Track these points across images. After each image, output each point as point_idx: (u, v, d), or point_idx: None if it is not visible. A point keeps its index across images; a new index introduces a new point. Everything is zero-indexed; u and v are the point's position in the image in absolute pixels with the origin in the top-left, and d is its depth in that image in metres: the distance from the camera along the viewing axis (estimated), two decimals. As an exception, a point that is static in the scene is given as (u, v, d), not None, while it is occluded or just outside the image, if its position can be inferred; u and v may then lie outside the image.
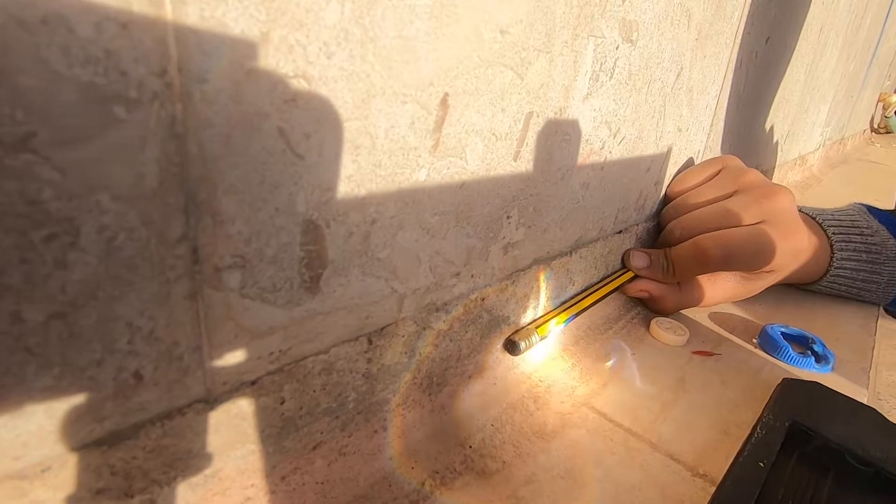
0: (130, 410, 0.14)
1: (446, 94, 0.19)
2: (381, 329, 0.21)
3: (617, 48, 0.28)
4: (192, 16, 0.12)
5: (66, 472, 0.13)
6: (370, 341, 0.21)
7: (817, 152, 1.04)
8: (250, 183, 0.15)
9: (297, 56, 0.14)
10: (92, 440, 0.14)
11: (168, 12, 0.12)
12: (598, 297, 0.34)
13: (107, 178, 0.12)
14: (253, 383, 0.17)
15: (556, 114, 0.25)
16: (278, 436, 0.19)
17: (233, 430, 0.17)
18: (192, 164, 0.13)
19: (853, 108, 1.32)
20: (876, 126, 1.90)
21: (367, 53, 0.16)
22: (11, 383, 0.12)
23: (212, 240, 0.14)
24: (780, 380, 0.31)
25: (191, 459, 0.16)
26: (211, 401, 0.16)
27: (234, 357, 0.16)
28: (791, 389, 0.30)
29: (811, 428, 0.27)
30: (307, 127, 0.15)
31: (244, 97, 0.14)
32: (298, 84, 0.15)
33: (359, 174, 0.17)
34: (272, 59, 0.14)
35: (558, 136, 0.26)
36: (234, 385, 0.17)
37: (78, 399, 0.13)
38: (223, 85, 0.13)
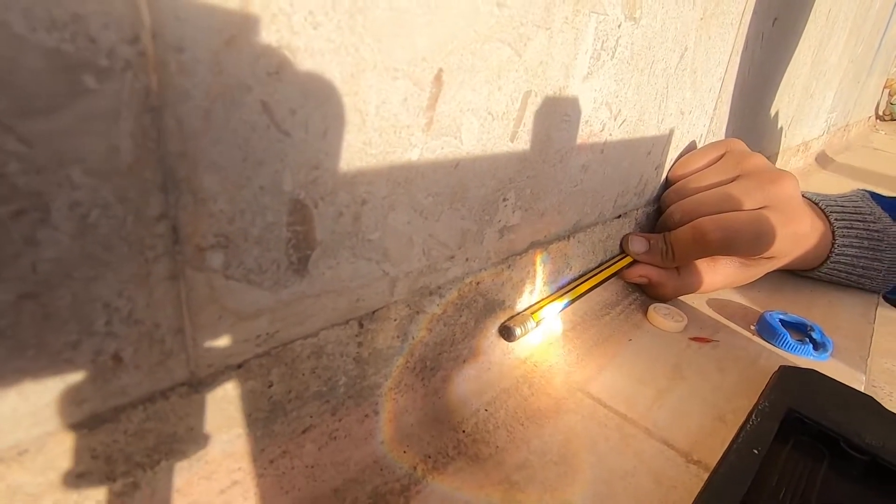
0: (111, 393, 0.14)
1: (440, 70, 0.18)
2: (373, 312, 0.21)
3: (619, 26, 0.27)
4: (167, -21, 0.11)
5: (43, 455, 0.13)
6: (361, 325, 0.20)
7: (821, 139, 1.02)
8: (233, 160, 0.14)
9: (280, 25, 0.14)
10: (71, 423, 0.13)
11: (140, -25, 0.11)
12: (595, 283, 0.33)
13: (78, 152, 0.11)
14: (239, 366, 0.17)
15: (555, 93, 0.24)
16: (266, 419, 0.18)
17: (219, 413, 0.17)
18: (170, 138, 0.13)
19: (859, 93, 1.31)
20: (881, 113, 1.88)
21: (356, 25, 0.15)
22: (-18, 365, 0.12)
23: (193, 218, 0.14)
24: (777, 367, 0.31)
25: (175, 443, 0.16)
26: (195, 384, 0.16)
27: (219, 340, 0.16)
28: (787, 377, 0.30)
29: (807, 415, 0.26)
30: (292, 102, 0.15)
31: (224, 68, 0.13)
32: (283, 56, 0.14)
33: (348, 152, 0.17)
34: (254, 28, 0.13)
35: (557, 117, 0.25)
36: (220, 368, 0.16)
37: (55, 381, 0.13)
38: (202, 55, 0.12)
